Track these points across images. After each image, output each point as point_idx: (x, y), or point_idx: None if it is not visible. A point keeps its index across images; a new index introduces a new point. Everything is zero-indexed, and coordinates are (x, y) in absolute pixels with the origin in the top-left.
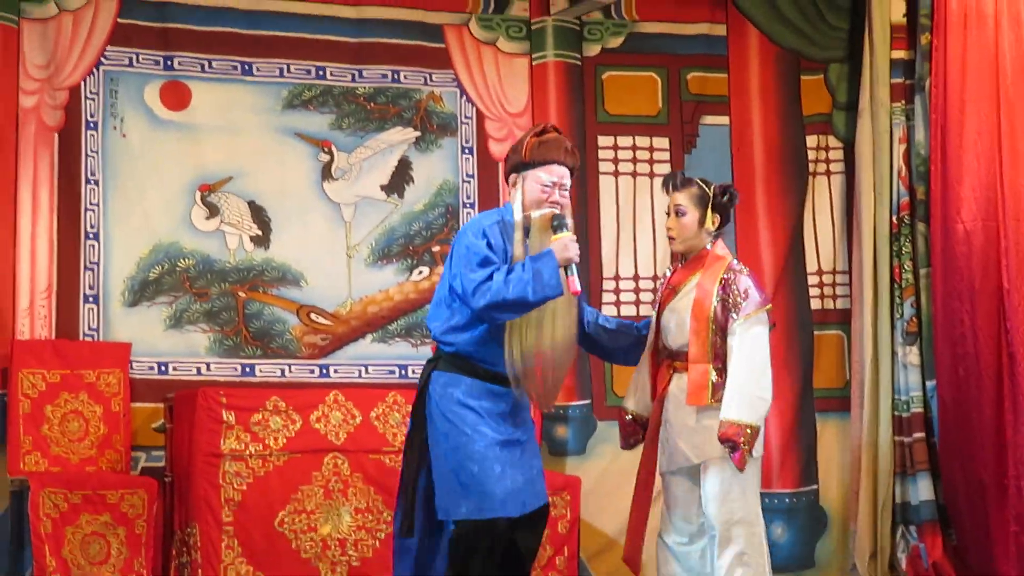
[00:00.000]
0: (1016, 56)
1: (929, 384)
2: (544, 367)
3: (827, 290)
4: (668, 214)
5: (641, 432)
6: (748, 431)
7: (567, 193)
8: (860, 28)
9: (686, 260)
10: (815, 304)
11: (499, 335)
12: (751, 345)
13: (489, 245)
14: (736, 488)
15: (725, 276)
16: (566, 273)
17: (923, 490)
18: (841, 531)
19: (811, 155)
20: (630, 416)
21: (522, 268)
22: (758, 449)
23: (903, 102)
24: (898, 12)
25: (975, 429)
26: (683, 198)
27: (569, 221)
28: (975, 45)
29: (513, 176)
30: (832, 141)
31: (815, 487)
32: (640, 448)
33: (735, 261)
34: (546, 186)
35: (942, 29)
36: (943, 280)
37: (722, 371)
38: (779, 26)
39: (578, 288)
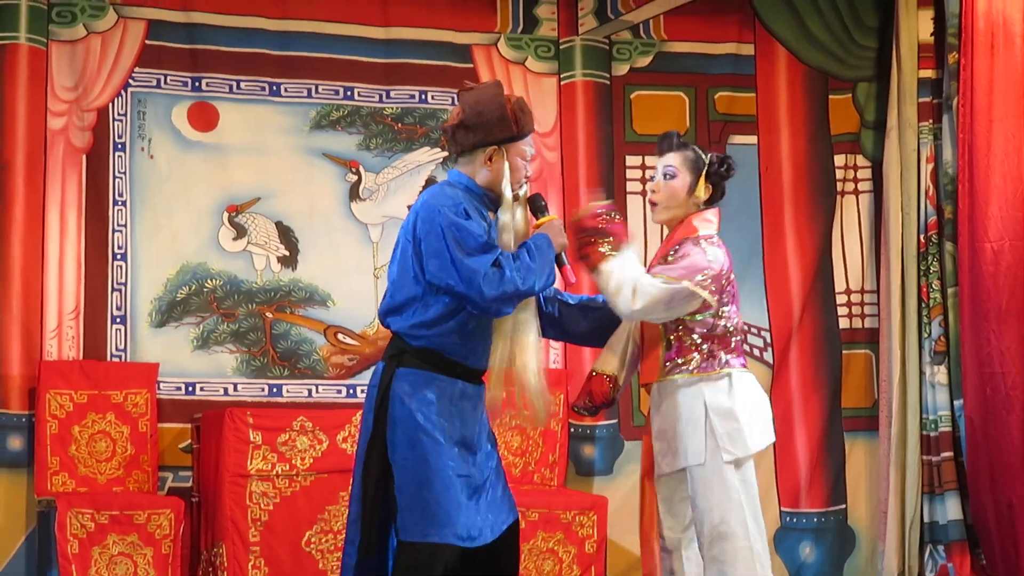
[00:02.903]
0: None
1: (957, 403)
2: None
3: (855, 309)
4: (651, 179)
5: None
6: (604, 249)
7: None
8: (888, 47)
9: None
10: (843, 323)
11: (482, 328)
12: (662, 284)
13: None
14: (716, 494)
15: (681, 242)
16: (559, 262)
17: (951, 509)
18: (869, 551)
19: (839, 174)
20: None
21: (528, 255)
22: (741, 447)
23: (931, 121)
24: (926, 31)
25: (1003, 449)
26: (676, 160)
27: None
28: (1003, 64)
29: (492, 149)
30: (860, 160)
31: (843, 507)
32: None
33: (712, 233)
34: (526, 161)
35: (969, 48)
36: (970, 300)
37: (679, 344)
38: (807, 46)
39: (575, 278)
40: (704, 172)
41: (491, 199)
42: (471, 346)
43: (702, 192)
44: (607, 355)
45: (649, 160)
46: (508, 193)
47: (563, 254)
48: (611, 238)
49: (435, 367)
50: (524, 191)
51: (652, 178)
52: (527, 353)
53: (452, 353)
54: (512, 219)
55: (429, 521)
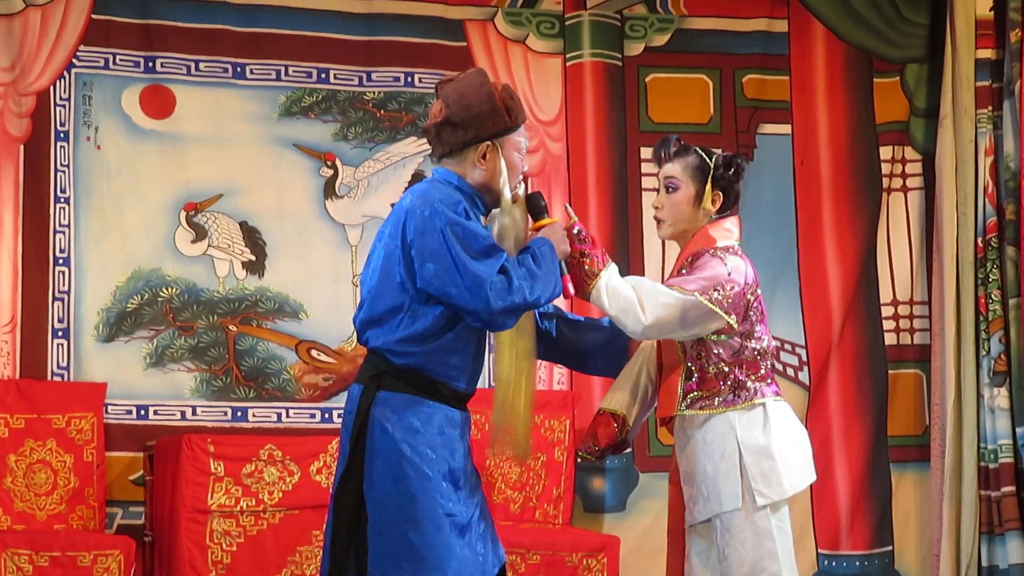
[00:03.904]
0: None
1: (1020, 431)
2: (504, 399)
3: (903, 323)
4: (657, 190)
5: (621, 440)
6: (590, 269)
7: None
8: (941, 24)
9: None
10: (890, 339)
11: (475, 345)
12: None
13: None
14: (748, 543)
15: (696, 253)
16: (559, 271)
17: (1013, 552)
18: None
19: (885, 169)
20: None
21: (533, 262)
22: (777, 490)
23: (990, 108)
24: (984, 6)
25: None
26: (676, 169)
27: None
28: None
29: (484, 146)
30: (909, 153)
31: (890, 548)
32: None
33: (732, 244)
34: (522, 155)
35: None
36: None
37: (701, 373)
38: (848, 21)
39: (573, 291)
40: (710, 177)
41: (484, 201)
42: (461, 366)
43: (710, 202)
44: (615, 391)
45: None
46: (507, 193)
47: (564, 263)
48: (592, 256)
49: (420, 390)
50: (522, 190)
51: (657, 191)
52: (522, 375)
53: (439, 374)
54: (512, 222)
55: (415, 567)
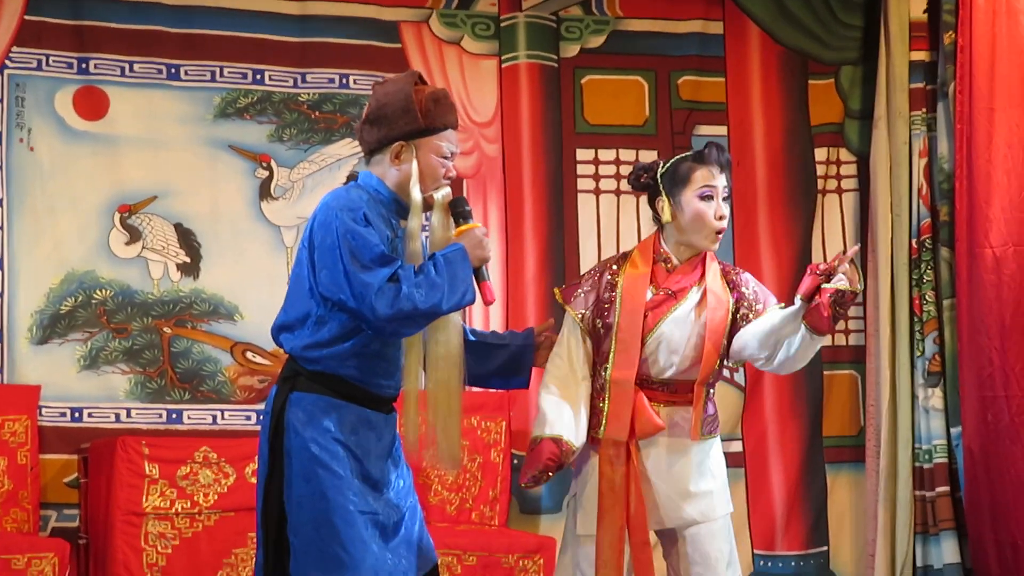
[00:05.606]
0: None
1: (954, 431)
2: (431, 407)
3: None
4: (710, 197)
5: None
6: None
7: None
8: (875, 26)
9: (674, 262)
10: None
11: (388, 350)
12: None
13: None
14: (729, 542)
15: (729, 276)
16: (479, 277)
17: (947, 552)
18: None
19: (820, 170)
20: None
21: (434, 269)
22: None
23: (924, 110)
24: (918, 8)
25: (1006, 483)
26: (727, 180)
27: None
28: (1006, 45)
29: (398, 145)
30: (844, 154)
31: (825, 548)
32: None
33: None
34: (446, 158)
35: (968, 26)
36: (969, 313)
37: (711, 398)
38: (784, 24)
39: (494, 297)
40: None
41: (403, 204)
42: (375, 370)
43: None
44: (554, 419)
45: (603, 154)
46: (416, 195)
47: (484, 268)
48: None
49: (334, 392)
50: (443, 195)
51: (705, 197)
52: (441, 385)
53: (351, 377)
54: (420, 226)
55: (329, 564)
